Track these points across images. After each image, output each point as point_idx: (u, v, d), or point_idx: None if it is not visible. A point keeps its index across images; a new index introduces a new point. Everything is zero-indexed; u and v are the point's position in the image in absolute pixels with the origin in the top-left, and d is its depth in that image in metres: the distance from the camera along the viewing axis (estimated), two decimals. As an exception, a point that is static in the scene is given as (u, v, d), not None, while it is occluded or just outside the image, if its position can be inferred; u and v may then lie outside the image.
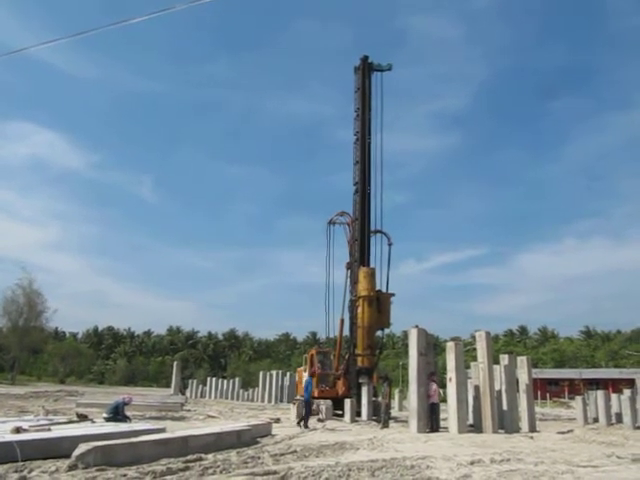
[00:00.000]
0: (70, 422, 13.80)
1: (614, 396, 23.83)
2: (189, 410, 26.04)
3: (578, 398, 23.42)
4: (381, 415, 18.46)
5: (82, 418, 14.84)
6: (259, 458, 9.31)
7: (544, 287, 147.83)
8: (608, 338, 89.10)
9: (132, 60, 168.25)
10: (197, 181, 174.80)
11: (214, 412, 25.26)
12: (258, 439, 12.52)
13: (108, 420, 14.59)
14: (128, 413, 16.35)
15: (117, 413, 15.16)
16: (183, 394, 45.71)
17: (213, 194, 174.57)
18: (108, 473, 7.40)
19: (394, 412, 26.46)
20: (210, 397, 48.61)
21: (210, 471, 7.91)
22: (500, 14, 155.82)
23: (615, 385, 40.65)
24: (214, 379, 53.12)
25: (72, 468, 7.63)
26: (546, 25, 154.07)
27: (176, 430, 12.37)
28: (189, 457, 8.73)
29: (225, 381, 52.02)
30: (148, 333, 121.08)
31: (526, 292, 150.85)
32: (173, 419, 19.55)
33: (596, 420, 22.36)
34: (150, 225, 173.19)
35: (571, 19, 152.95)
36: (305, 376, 24.92)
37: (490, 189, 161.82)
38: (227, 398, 46.58)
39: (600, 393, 22.75)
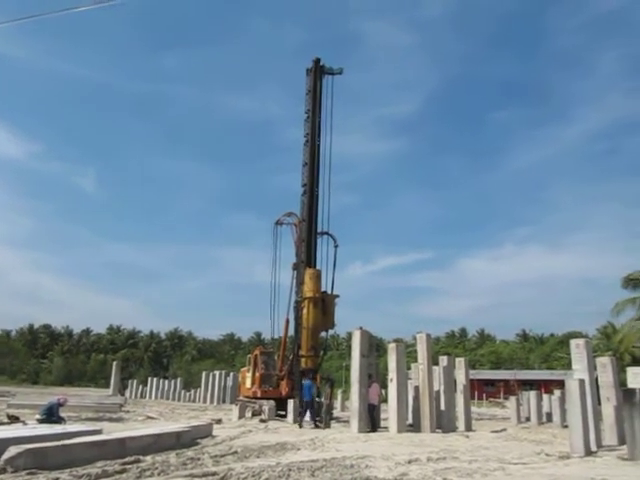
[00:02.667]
0: (0, 424, 13.24)
1: (545, 396, 24.98)
2: (128, 411, 25.44)
3: (512, 398, 24.36)
4: (322, 415, 18.63)
5: (13, 420, 14.30)
6: (199, 459, 9.23)
7: (484, 291, 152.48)
8: (542, 341, 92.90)
9: (78, 50, 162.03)
10: (142, 175, 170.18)
11: (154, 413, 24.79)
12: (198, 440, 12.37)
13: (41, 422, 14.10)
14: (63, 414, 15.85)
15: (51, 414, 14.67)
16: (122, 395, 44.66)
17: (158, 189, 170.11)
18: (39, 477, 7.16)
19: (337, 412, 26.69)
20: (151, 398, 47.61)
21: (148, 473, 7.78)
22: (452, 24, 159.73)
23: (547, 386, 42.46)
24: (155, 379, 52.05)
25: (1, 472, 7.34)
26: (495, 38, 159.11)
27: (113, 432, 12.07)
28: (126, 459, 8.56)
29: (166, 381, 51.06)
30: (87, 331, 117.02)
31: (467, 296, 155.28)
32: (111, 420, 19.06)
33: (528, 419, 23.31)
34: (91, 219, 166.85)
35: (517, 33, 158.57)
36: (248, 376, 24.87)
37: (435, 194, 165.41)
38: (168, 399, 45.74)
39: (532, 394, 23.75)
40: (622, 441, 12.06)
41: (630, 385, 12.13)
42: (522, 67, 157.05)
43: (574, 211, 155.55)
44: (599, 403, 13.93)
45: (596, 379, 14.16)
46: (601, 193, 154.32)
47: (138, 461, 8.57)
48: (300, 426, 17.79)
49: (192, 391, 46.56)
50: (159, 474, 7.80)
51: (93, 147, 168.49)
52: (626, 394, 11.01)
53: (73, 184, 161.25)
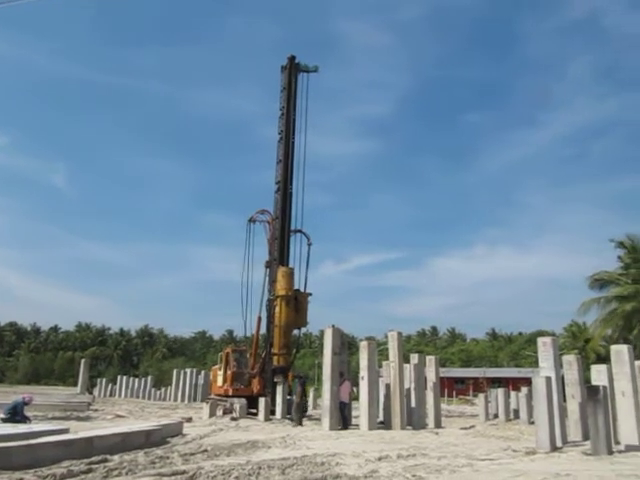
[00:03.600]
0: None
1: (513, 394, 25.42)
2: (96, 410, 25.04)
3: (481, 396, 24.70)
4: (293, 413, 18.62)
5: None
6: (168, 458, 9.13)
7: (455, 290, 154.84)
8: (510, 340, 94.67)
9: (50, 40, 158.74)
10: (114, 171, 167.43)
11: (123, 412, 24.43)
12: (168, 439, 12.24)
13: (5, 421, 13.78)
14: (28, 413, 15.51)
15: (16, 414, 14.33)
16: (90, 393, 43.93)
17: (130, 186, 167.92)
18: (3, 477, 6.99)
19: (309, 410, 26.71)
20: (120, 396, 46.91)
21: (115, 473, 7.66)
22: (428, 26, 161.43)
23: (515, 383, 43.24)
24: (125, 377, 51.31)
25: (-38, 472, 7.15)
26: (469, 41, 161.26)
27: (80, 431, 11.87)
28: (93, 459, 8.41)
29: (136, 379, 50.38)
30: (55, 329, 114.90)
31: (438, 295, 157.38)
32: (78, 419, 18.72)
33: (496, 416, 23.68)
34: (60, 215, 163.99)
35: (491, 37, 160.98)
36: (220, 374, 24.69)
37: (409, 194, 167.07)
38: (138, 397, 45.11)
39: (500, 391, 24.15)
40: (586, 437, 12.36)
41: (594, 382, 12.44)
42: (495, 70, 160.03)
43: (543, 213, 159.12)
44: (565, 400, 14.25)
45: (562, 377, 14.48)
46: (569, 196, 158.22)
47: (105, 460, 8.43)
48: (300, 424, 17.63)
49: (163, 389, 46.02)
50: (127, 473, 7.69)
51: (64, 142, 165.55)
52: (590, 391, 11.29)
53: (43, 180, 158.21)
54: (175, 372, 44.32)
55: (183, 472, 7.64)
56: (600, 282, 36.77)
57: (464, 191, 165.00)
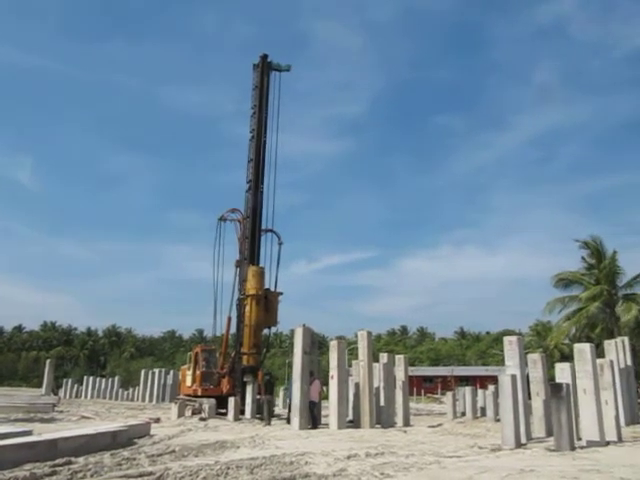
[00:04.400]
0: None
1: (480, 392, 25.83)
2: (62, 411, 24.52)
3: (449, 394, 25.05)
4: (265, 413, 18.59)
5: None
6: (135, 459, 9.01)
7: (424, 290, 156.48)
8: (478, 339, 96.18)
9: (16, 31, 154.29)
10: (82, 167, 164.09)
11: (89, 413, 23.99)
12: (135, 440, 12.07)
13: (-35, 423, 13.36)
14: (-10, 415, 15.09)
15: (-23, 416, 13.93)
16: (55, 394, 42.92)
17: (98, 182, 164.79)
18: (-38, 481, 6.81)
19: (278, 410, 26.67)
20: (86, 397, 46.02)
21: (80, 475, 7.52)
22: (400, 28, 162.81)
23: (482, 382, 43.93)
24: (91, 378, 50.34)
25: None
26: (441, 44, 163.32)
27: (45, 432, 11.62)
28: (57, 461, 8.24)
29: (103, 380, 49.50)
30: (19, 328, 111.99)
31: (408, 294, 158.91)
32: (42, 421, 18.31)
33: (464, 414, 24.04)
34: (26, 211, 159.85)
35: (461, 41, 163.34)
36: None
37: (380, 194, 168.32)
38: (105, 398, 44.34)
39: (468, 389, 24.53)
40: (550, 433, 12.65)
41: (558, 380, 12.73)
42: (465, 73, 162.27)
43: (509, 215, 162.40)
44: (530, 397, 14.56)
45: (527, 375, 14.80)
46: (534, 198, 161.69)
47: (70, 462, 8.27)
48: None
49: (130, 390, 45.34)
50: (92, 475, 7.57)
51: (30, 137, 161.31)
52: (554, 388, 11.58)
53: (6, 174, 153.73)
54: (143, 372, 43.69)
55: (150, 473, 7.56)
56: (564, 282, 37.71)
57: (433, 192, 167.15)
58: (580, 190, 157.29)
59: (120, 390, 45.46)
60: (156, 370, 42.61)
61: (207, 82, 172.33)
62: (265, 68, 25.50)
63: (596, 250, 36.99)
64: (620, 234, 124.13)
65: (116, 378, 49.01)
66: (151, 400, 39.25)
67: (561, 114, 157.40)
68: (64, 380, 54.23)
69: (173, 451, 10.25)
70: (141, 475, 7.46)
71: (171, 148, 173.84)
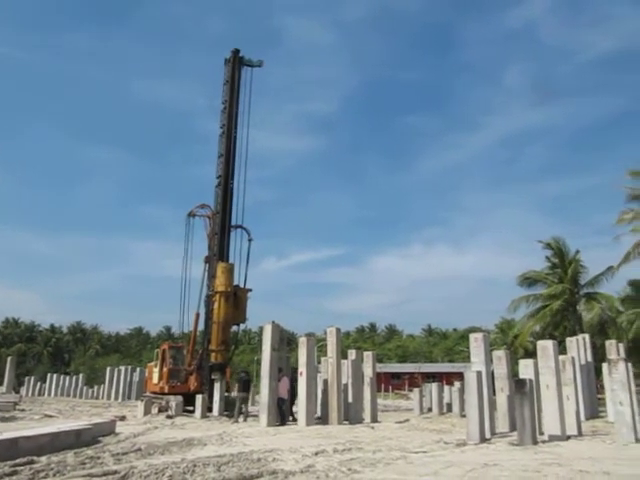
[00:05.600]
0: None
1: (447, 388, 26.24)
2: (24, 410, 23.95)
3: (416, 390, 25.37)
4: (235, 410, 18.49)
5: None
6: (99, 458, 8.86)
7: (394, 288, 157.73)
8: (445, 336, 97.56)
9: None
10: (47, 160, 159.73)
11: (52, 411, 23.49)
12: (100, 438, 11.88)
13: None
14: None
15: None
16: (17, 392, 41.89)
17: (64, 175, 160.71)
18: None
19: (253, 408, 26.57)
20: (50, 395, 45.03)
21: (42, 475, 7.36)
22: (374, 27, 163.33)
23: (449, 378, 44.61)
24: (55, 375, 49.26)
25: None
26: (413, 44, 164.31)
27: (5, 432, 11.33)
28: (18, 461, 8.05)
29: (68, 377, 48.50)
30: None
31: (378, 292, 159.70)
32: (3, 420, 17.84)
33: (430, 410, 24.35)
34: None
35: (433, 41, 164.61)
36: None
37: (351, 192, 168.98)
38: (69, 396, 43.50)
39: (435, 385, 24.87)
40: (513, 428, 12.94)
41: (522, 376, 13.02)
42: (436, 74, 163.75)
43: (479, 214, 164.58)
44: (494, 393, 14.87)
45: (493, 371, 15.10)
46: (504, 198, 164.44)
47: (32, 462, 8.09)
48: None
49: (95, 387, 44.58)
50: (54, 475, 7.42)
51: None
52: (517, 384, 11.86)
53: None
54: (109, 369, 42.99)
55: (114, 472, 7.45)
56: (529, 280, 38.66)
57: (404, 190, 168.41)
58: (548, 191, 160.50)
59: (85, 388, 44.61)
60: (122, 367, 41.97)
61: (180, 76, 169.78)
62: (236, 63, 25.33)
63: (559, 250, 38.06)
64: (585, 234, 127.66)
65: (80, 376, 48.07)
66: (117, 398, 38.68)
67: (528, 116, 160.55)
68: (26, 378, 52.93)
69: (139, 449, 10.13)
70: (105, 474, 7.35)
71: (141, 142, 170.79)
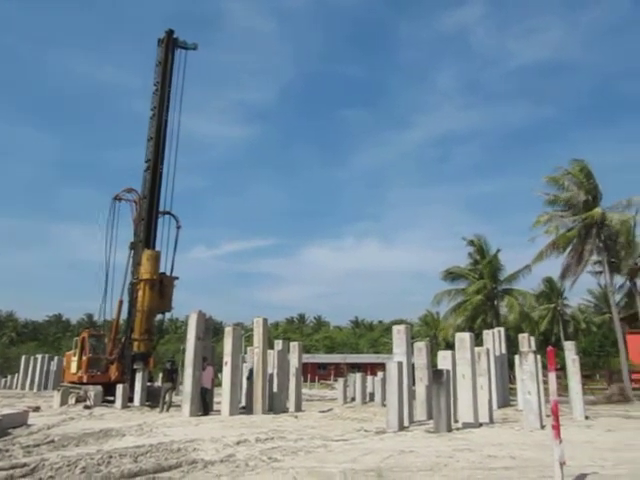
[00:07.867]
0: None
1: (370, 378, 26.87)
2: None
3: (340, 380, 25.86)
4: (160, 400, 18.10)
5: None
6: (7, 451, 8.47)
7: (323, 280, 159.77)
8: (371, 328, 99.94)
9: None
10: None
11: (-42, 402, 22.10)
12: (10, 430, 11.34)
13: None
14: None
15: None
16: None
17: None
18: None
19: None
20: (-43, 385, 42.40)
21: (-58, 468, 6.96)
22: (314, 18, 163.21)
23: (373, 369, 45.65)
24: (-37, 364, 46.44)
25: None
26: (351, 39, 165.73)
27: None
28: None
29: (-23, 367, 45.85)
30: None
31: (308, 283, 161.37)
32: None
33: (354, 399, 24.91)
34: None
35: (372, 39, 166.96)
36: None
37: (285, 183, 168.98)
38: (-21, 386, 41.14)
39: (358, 375, 25.43)
40: (430, 416, 13.45)
41: (440, 367, 13.57)
42: (371, 70, 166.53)
43: (407, 210, 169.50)
44: (414, 383, 15.40)
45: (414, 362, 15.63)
46: (430, 196, 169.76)
47: None
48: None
49: (9, 377, 42.32)
50: (-43, 469, 7.02)
51: None
52: (435, 374, 12.35)
53: None
54: (24, 358, 40.88)
55: (24, 465, 7.14)
56: (452, 275, 40.29)
57: (337, 184, 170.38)
58: (474, 190, 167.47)
59: (-4, 377, 42.33)
60: (39, 356, 39.99)
61: (111, 55, 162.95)
62: (170, 44, 24.55)
63: (480, 248, 39.92)
64: (505, 233, 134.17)
65: (-8, 365, 45.58)
66: (32, 388, 36.86)
67: (457, 118, 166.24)
68: None
69: (52, 441, 9.76)
70: (13, 467, 7.03)
71: (67, 120, 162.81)
